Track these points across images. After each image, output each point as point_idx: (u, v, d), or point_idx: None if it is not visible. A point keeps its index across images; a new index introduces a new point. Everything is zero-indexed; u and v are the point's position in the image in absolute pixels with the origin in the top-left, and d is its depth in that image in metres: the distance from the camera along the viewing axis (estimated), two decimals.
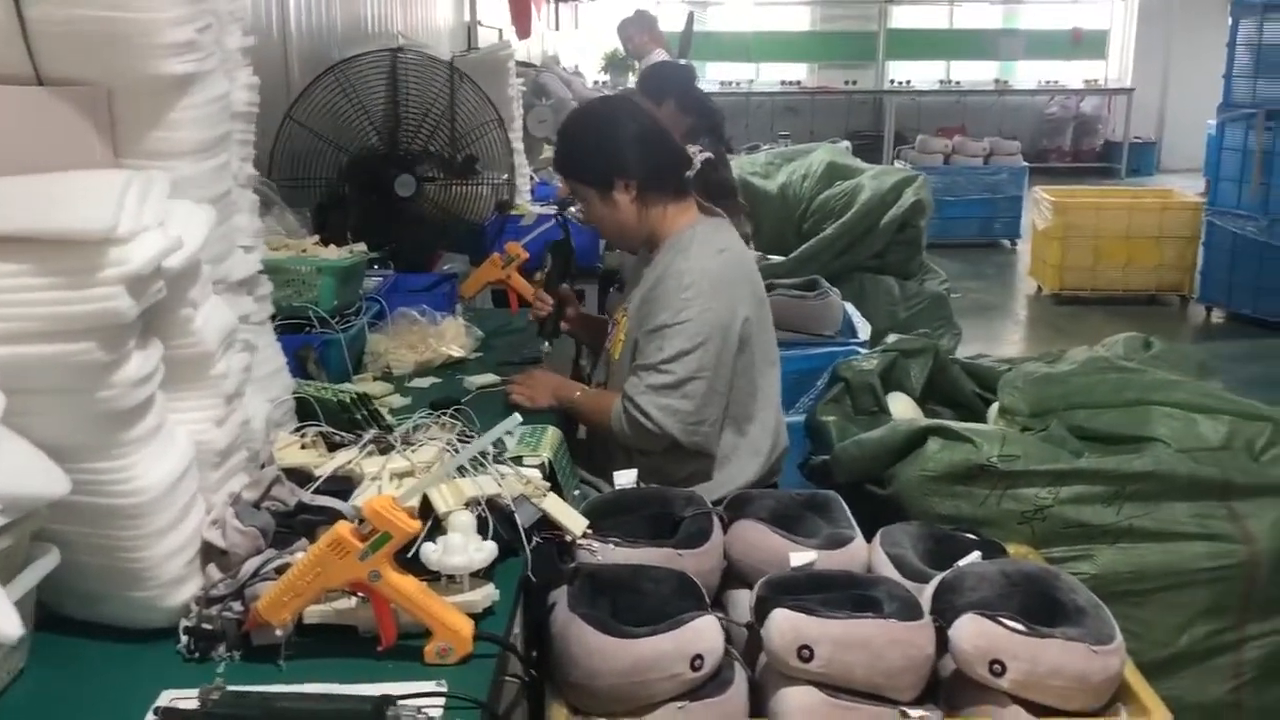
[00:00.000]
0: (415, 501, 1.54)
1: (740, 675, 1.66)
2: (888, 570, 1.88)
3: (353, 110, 3.23)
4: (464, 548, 1.42)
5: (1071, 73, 13.47)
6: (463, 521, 1.47)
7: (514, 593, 1.53)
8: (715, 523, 1.91)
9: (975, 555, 1.83)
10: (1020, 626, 1.59)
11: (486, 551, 1.44)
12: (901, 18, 13.63)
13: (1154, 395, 2.28)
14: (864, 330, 3.69)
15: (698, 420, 2.09)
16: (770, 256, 4.89)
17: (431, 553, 1.42)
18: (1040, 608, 1.69)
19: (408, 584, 1.32)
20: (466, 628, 1.34)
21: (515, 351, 2.62)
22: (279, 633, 1.35)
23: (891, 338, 2.83)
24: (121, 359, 1.27)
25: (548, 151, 5.88)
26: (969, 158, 8.83)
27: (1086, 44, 13.36)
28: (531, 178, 5.12)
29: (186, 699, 1.21)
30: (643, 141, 2.22)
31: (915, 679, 1.63)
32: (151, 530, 1.33)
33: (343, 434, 1.70)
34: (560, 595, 1.64)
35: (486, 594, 1.44)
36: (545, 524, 1.68)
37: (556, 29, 10.51)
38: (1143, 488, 2.11)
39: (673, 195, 2.23)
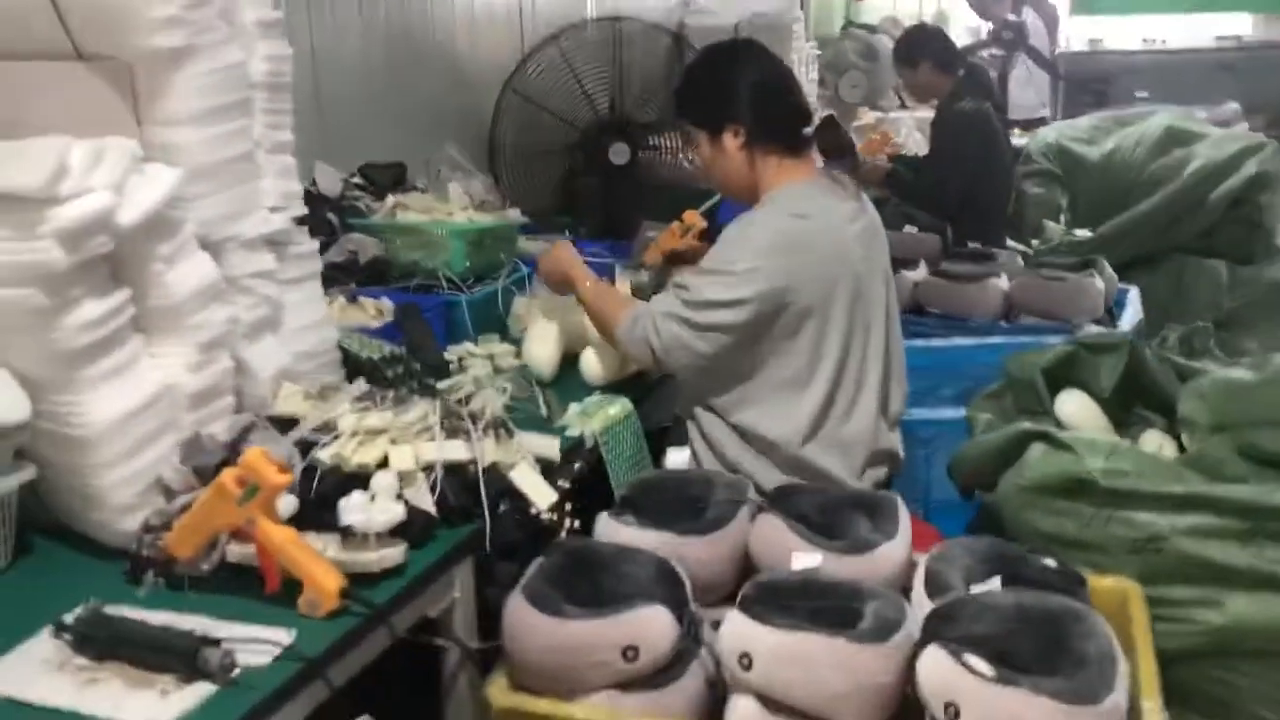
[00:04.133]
0: (375, 453, 1.59)
1: (696, 675, 1.56)
2: (919, 585, 1.67)
3: (576, 82, 3.31)
4: (364, 507, 1.45)
5: None
6: (380, 483, 1.50)
7: (441, 555, 1.54)
8: (741, 513, 1.79)
9: (994, 582, 1.58)
10: (984, 669, 1.36)
11: (389, 514, 1.46)
12: None
13: None
14: (1129, 320, 3.23)
15: (709, 368, 1.97)
16: (1076, 231, 4.42)
17: (341, 508, 1.47)
18: (1046, 652, 1.43)
19: (278, 533, 1.38)
20: (332, 584, 1.36)
21: None
22: (205, 566, 1.46)
23: (1093, 329, 2.46)
24: (67, 304, 1.43)
25: (866, 117, 5.67)
26: None
27: None
28: None
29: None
30: (760, 88, 2.07)
31: (864, 708, 1.45)
32: (100, 461, 1.48)
33: (343, 385, 1.79)
34: (532, 569, 1.63)
35: (387, 556, 1.46)
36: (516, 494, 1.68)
37: None
38: None
39: (785, 149, 2.08)
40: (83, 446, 1.47)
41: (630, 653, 1.49)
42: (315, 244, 1.89)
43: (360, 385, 1.76)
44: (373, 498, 1.48)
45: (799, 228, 1.96)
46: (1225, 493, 1.74)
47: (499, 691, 1.54)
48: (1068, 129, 4.90)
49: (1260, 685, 1.75)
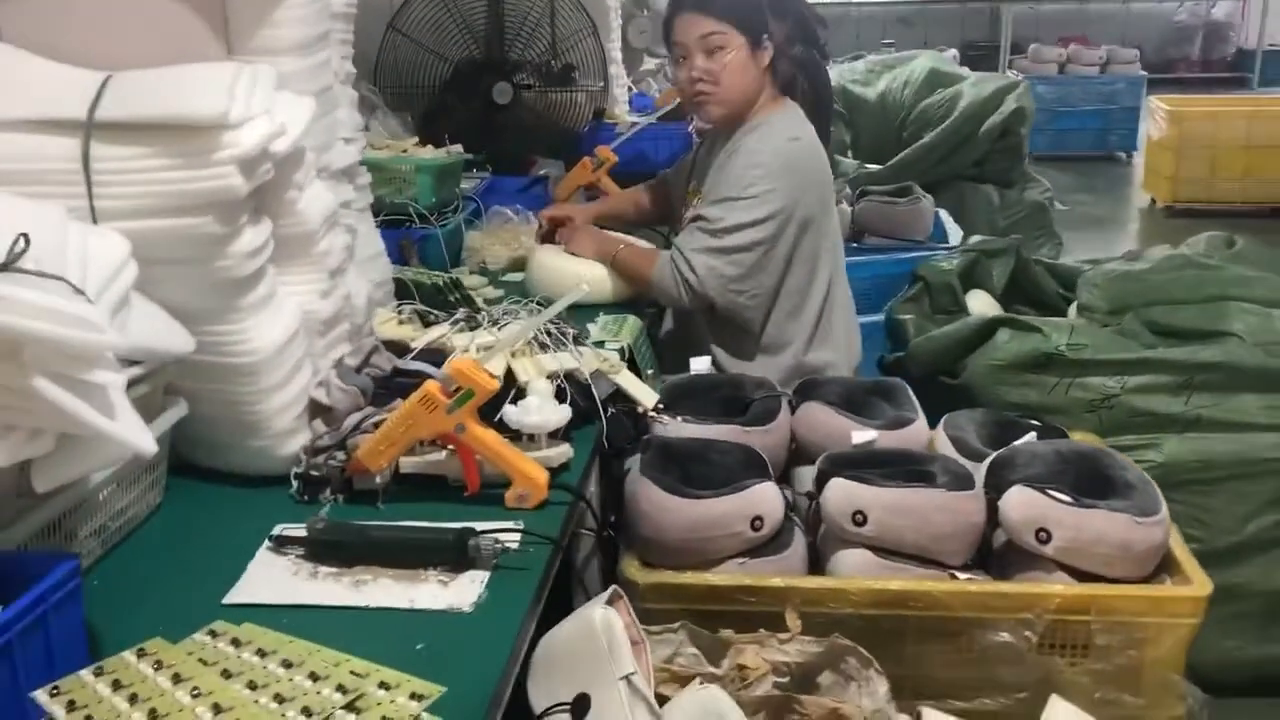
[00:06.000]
0: (499, 367, 1.69)
1: (799, 539, 1.78)
2: (948, 450, 1.96)
3: (452, 21, 3.34)
4: (540, 410, 1.57)
5: None
6: (540, 388, 1.61)
7: (589, 453, 1.68)
8: (783, 404, 2.02)
9: (1031, 435, 1.91)
10: (1066, 497, 1.67)
11: (561, 414, 1.58)
12: None
13: (1231, 291, 2.30)
14: (955, 236, 3.70)
15: (739, 289, 2.19)
16: (868, 165, 4.90)
17: (513, 414, 1.57)
18: (1091, 483, 1.76)
19: (490, 436, 1.47)
20: (542, 477, 1.48)
21: None
22: (378, 479, 1.52)
23: (975, 239, 2.87)
24: (235, 232, 1.43)
25: (648, 63, 5.91)
26: (1084, 67, 8.56)
27: None
28: (630, 88, 5.18)
29: (297, 529, 1.39)
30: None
31: (962, 545, 1.73)
32: (265, 386, 1.50)
33: (436, 312, 1.85)
34: (635, 462, 1.78)
35: (562, 452, 1.58)
36: (620, 398, 1.83)
37: None
38: (1212, 378, 2.15)
39: (778, 82, 2.31)
40: (250, 374, 1.48)
41: (757, 522, 1.70)
42: (369, 176, 1.92)
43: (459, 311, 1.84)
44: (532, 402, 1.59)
45: (797, 149, 2.20)
46: (1162, 355, 2.16)
47: (637, 570, 1.70)
48: (848, 72, 5.40)
49: (1186, 510, 2.19)
